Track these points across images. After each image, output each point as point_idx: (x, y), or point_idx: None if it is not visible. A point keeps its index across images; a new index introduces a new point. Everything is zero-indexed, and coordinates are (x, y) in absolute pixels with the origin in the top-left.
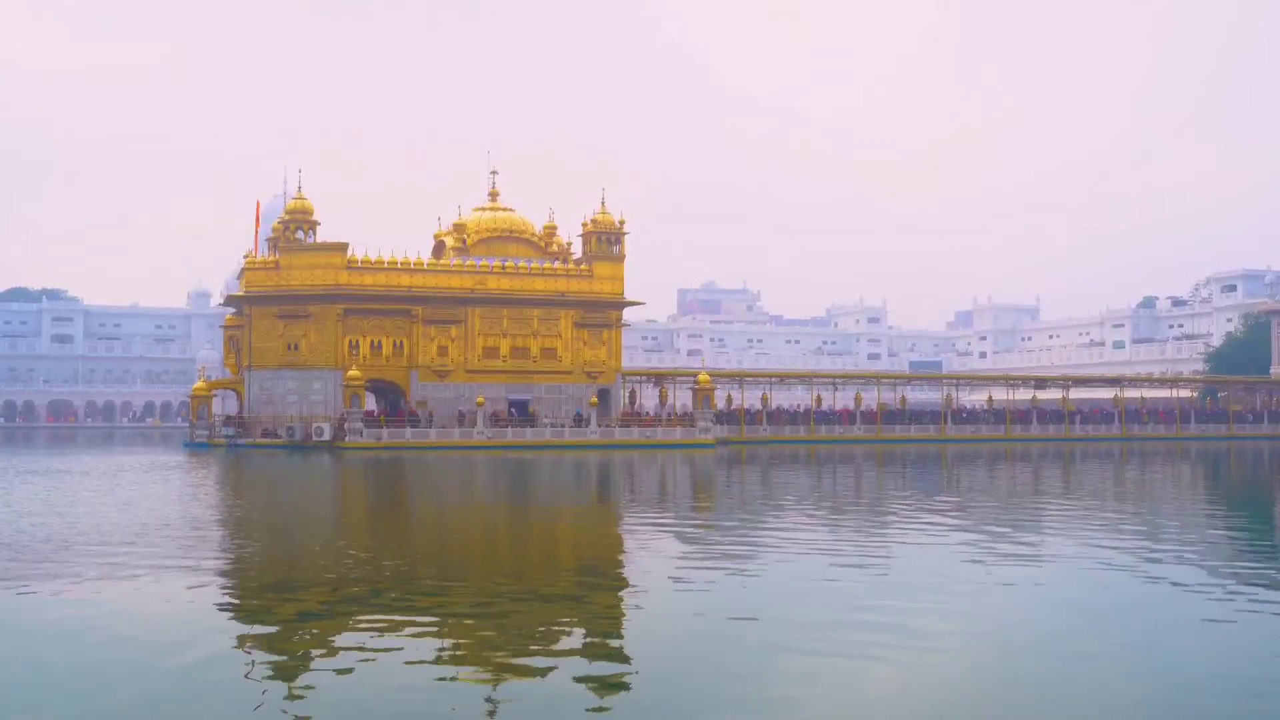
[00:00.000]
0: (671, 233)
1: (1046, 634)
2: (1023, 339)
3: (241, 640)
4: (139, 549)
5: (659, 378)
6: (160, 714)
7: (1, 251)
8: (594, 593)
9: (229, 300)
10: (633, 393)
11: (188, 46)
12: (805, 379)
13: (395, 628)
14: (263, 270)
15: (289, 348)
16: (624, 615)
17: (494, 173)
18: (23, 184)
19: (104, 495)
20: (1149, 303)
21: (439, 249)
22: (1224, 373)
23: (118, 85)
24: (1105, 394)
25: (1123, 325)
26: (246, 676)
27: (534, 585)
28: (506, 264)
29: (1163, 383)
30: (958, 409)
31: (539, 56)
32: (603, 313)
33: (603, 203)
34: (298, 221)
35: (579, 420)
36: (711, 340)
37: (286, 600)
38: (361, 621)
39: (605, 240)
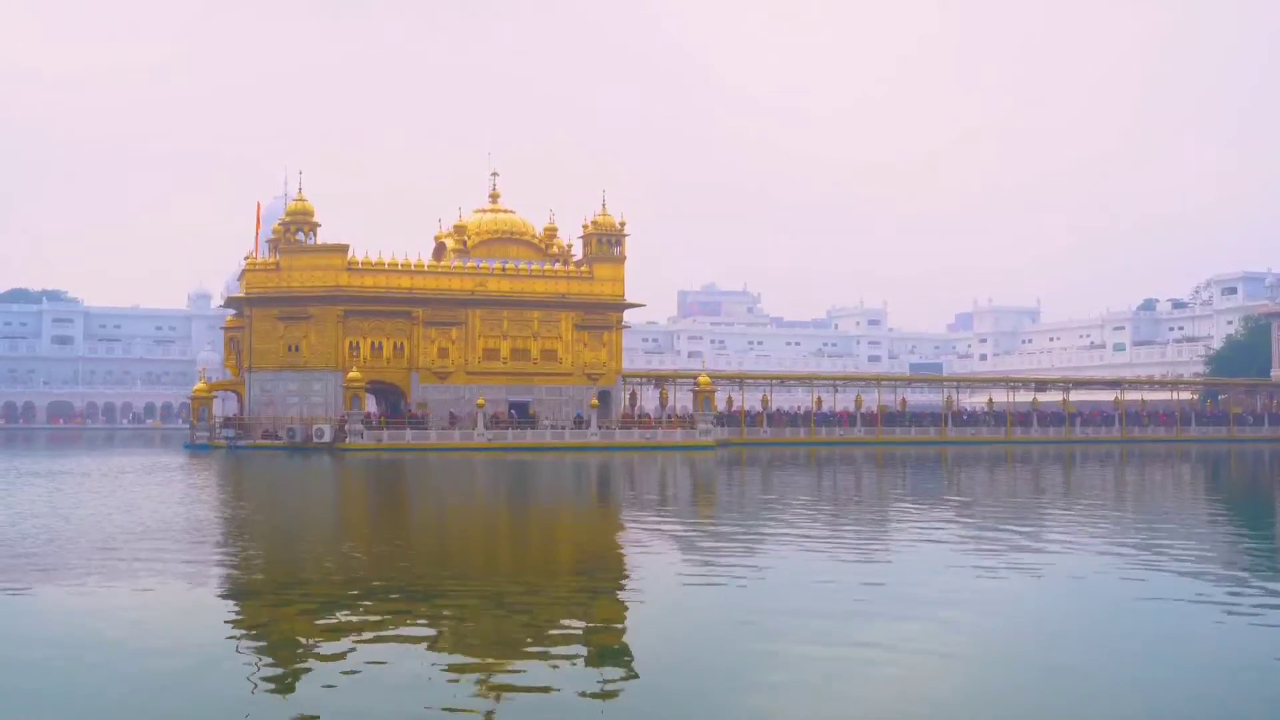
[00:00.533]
0: (672, 234)
1: (1046, 636)
2: (1023, 341)
3: (242, 641)
4: (141, 551)
5: (659, 379)
6: (161, 714)
7: (2, 252)
8: (594, 594)
9: (229, 302)
10: (633, 395)
11: (188, 47)
12: (805, 381)
13: (396, 629)
14: (263, 272)
15: (289, 349)
16: (624, 616)
17: (494, 174)
18: (23, 184)
19: (106, 497)
20: (1149, 305)
21: (439, 250)
22: (1224, 375)
23: (118, 86)
24: (1105, 396)
25: (1123, 327)
26: (247, 678)
27: (534, 587)
28: (507, 266)
29: (1163, 385)
30: (958, 411)
31: (539, 57)
32: (603, 314)
33: (603, 204)
34: (298, 223)
35: (579, 422)
36: (712, 342)
37: (287, 601)
38: (362, 622)
39: (606, 242)
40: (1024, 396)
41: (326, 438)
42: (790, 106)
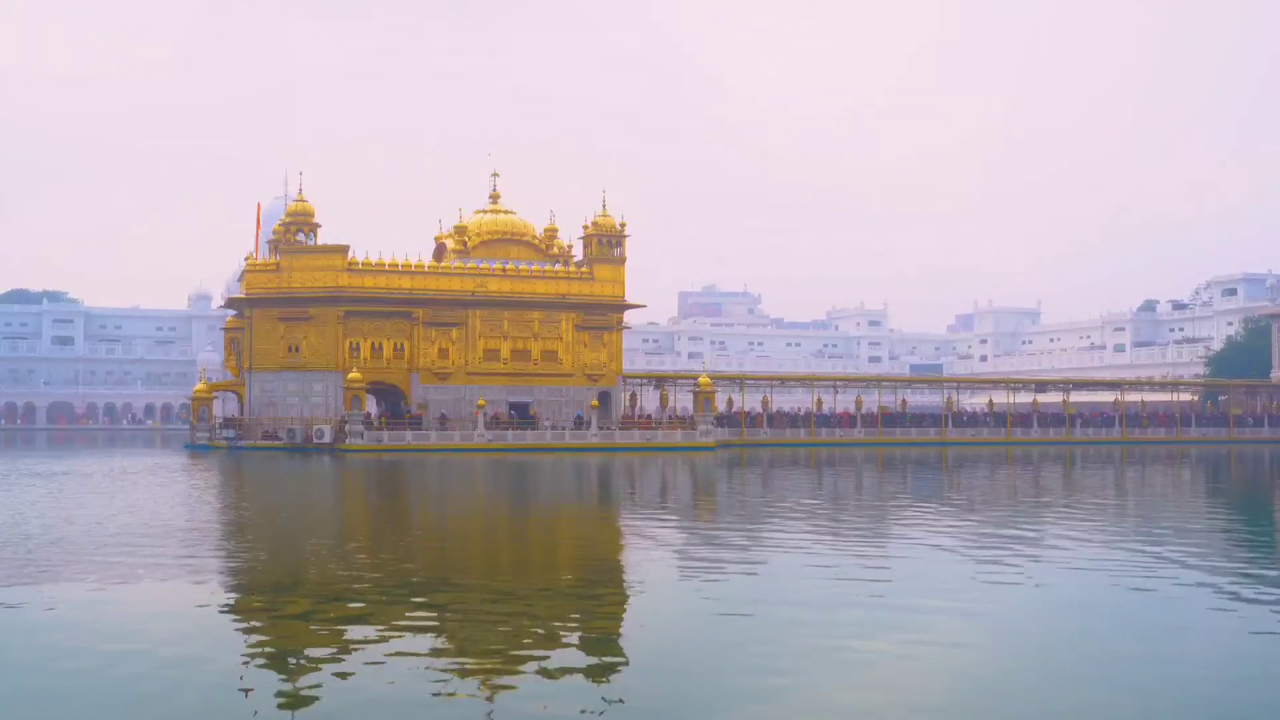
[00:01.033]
0: (672, 235)
1: (1045, 638)
2: (1023, 342)
3: (243, 642)
4: (144, 552)
5: (660, 380)
6: (161, 715)
7: (2, 253)
8: (594, 595)
9: (230, 302)
10: (633, 395)
11: (189, 48)
12: (806, 382)
13: (396, 629)
14: (263, 272)
15: (290, 350)
16: (624, 617)
17: (495, 175)
18: (23, 185)
19: (109, 498)
20: (1149, 306)
21: (440, 251)
22: (1224, 376)
23: (118, 86)
24: (1106, 397)
25: (1123, 329)
26: (248, 679)
27: (533, 587)
28: (507, 266)
29: (1163, 386)
30: (958, 412)
31: (540, 59)
32: (603, 315)
33: (604, 205)
34: (298, 224)
35: (579, 423)
36: (712, 343)
37: (288, 602)
38: (363, 623)
39: (606, 243)
40: (1024, 397)
41: (327, 438)
42: (791, 108)
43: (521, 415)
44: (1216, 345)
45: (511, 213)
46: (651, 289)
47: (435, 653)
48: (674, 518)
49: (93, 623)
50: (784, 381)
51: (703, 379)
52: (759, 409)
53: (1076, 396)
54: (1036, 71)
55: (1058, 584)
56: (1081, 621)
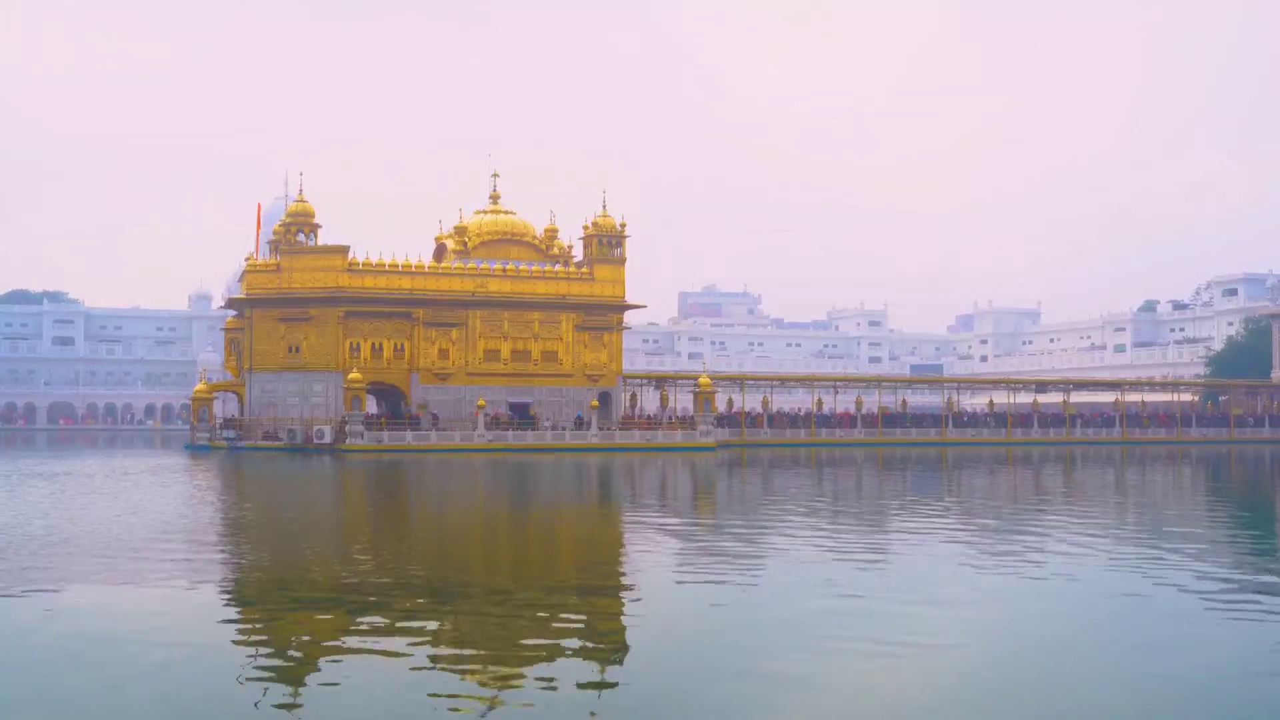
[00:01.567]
0: (673, 236)
1: (1044, 640)
2: (1024, 342)
3: (244, 644)
4: (147, 554)
5: (660, 381)
6: (162, 715)
7: (2, 253)
8: (594, 596)
9: (230, 303)
10: (633, 396)
11: (189, 49)
12: (806, 382)
13: (397, 630)
14: (264, 273)
15: (290, 350)
16: (624, 620)
17: (495, 175)
18: (23, 186)
19: (111, 499)
20: (1150, 306)
21: (440, 252)
22: (1225, 376)
23: (118, 87)
24: (1106, 398)
25: (1124, 329)
26: (249, 680)
27: (533, 588)
28: (507, 267)
29: (1164, 386)
30: (959, 412)
31: (540, 60)
32: (604, 315)
33: (604, 205)
34: (299, 224)
35: (580, 423)
36: (712, 343)
37: (289, 603)
38: (364, 624)
39: (606, 243)
40: (1025, 398)
41: (327, 439)
42: (791, 109)
43: (521, 416)
44: (1217, 345)
45: (512, 213)
46: (651, 289)
47: (436, 653)
48: (674, 518)
49: (95, 624)
50: (784, 382)
51: (703, 379)
52: (759, 409)
53: (1077, 397)
54: (1036, 72)
55: (1058, 585)
56: (1082, 622)
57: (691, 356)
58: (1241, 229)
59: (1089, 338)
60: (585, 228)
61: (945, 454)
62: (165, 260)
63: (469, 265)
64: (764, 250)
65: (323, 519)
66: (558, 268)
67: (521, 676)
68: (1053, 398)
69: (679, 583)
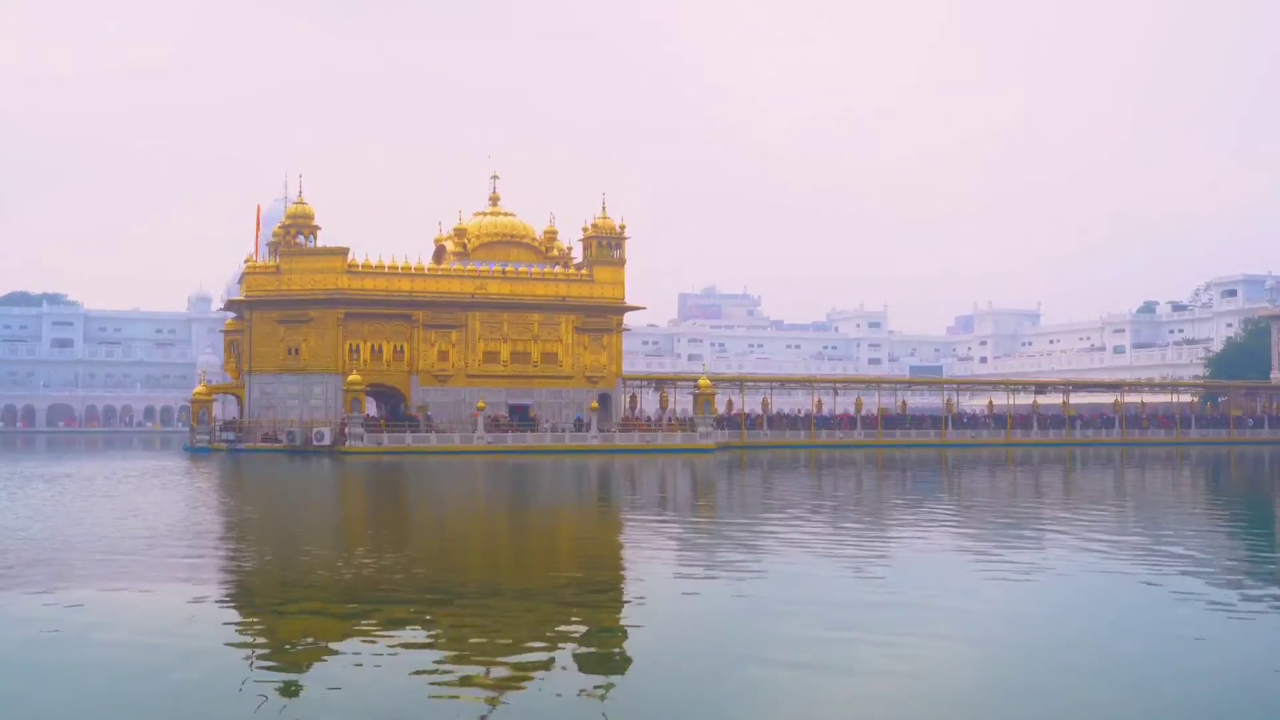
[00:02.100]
0: (672, 237)
1: (1044, 642)
2: (1023, 344)
3: (243, 645)
4: (146, 555)
5: (659, 382)
6: (163, 717)
7: (1, 255)
8: (594, 597)
9: (229, 305)
10: (633, 397)
11: (189, 50)
12: (806, 383)
13: (397, 632)
14: (263, 275)
15: (289, 352)
16: (623, 621)
17: (495, 177)
18: (22, 187)
19: (113, 501)
20: (1149, 308)
21: (440, 253)
22: (1224, 377)
23: (118, 88)
24: (1106, 399)
25: (1123, 330)
26: (249, 681)
27: (533, 590)
28: (507, 268)
29: (1163, 387)
30: (958, 414)
31: (539, 62)
32: (603, 317)
33: (603, 207)
34: (298, 226)
35: (579, 425)
36: (712, 345)
37: (290, 605)
38: (365, 625)
39: (606, 245)
40: (1024, 399)
41: (326, 441)
42: (791, 111)
43: (521, 418)
44: (1216, 346)
45: (511, 215)
46: (651, 291)
47: (437, 654)
48: (673, 519)
49: (96, 626)
50: (784, 383)
51: (702, 381)
52: (759, 411)
53: (1076, 398)
54: (1036, 74)
55: (1057, 586)
56: (1082, 624)
57: (691, 358)
58: (1241, 230)
59: (1088, 339)
60: (585, 229)
61: (945, 455)
62: (164, 262)
63: (469, 267)
64: (764, 252)
65: (323, 521)
66: (557, 269)
67: (522, 677)
68: (1052, 399)
69: (679, 584)
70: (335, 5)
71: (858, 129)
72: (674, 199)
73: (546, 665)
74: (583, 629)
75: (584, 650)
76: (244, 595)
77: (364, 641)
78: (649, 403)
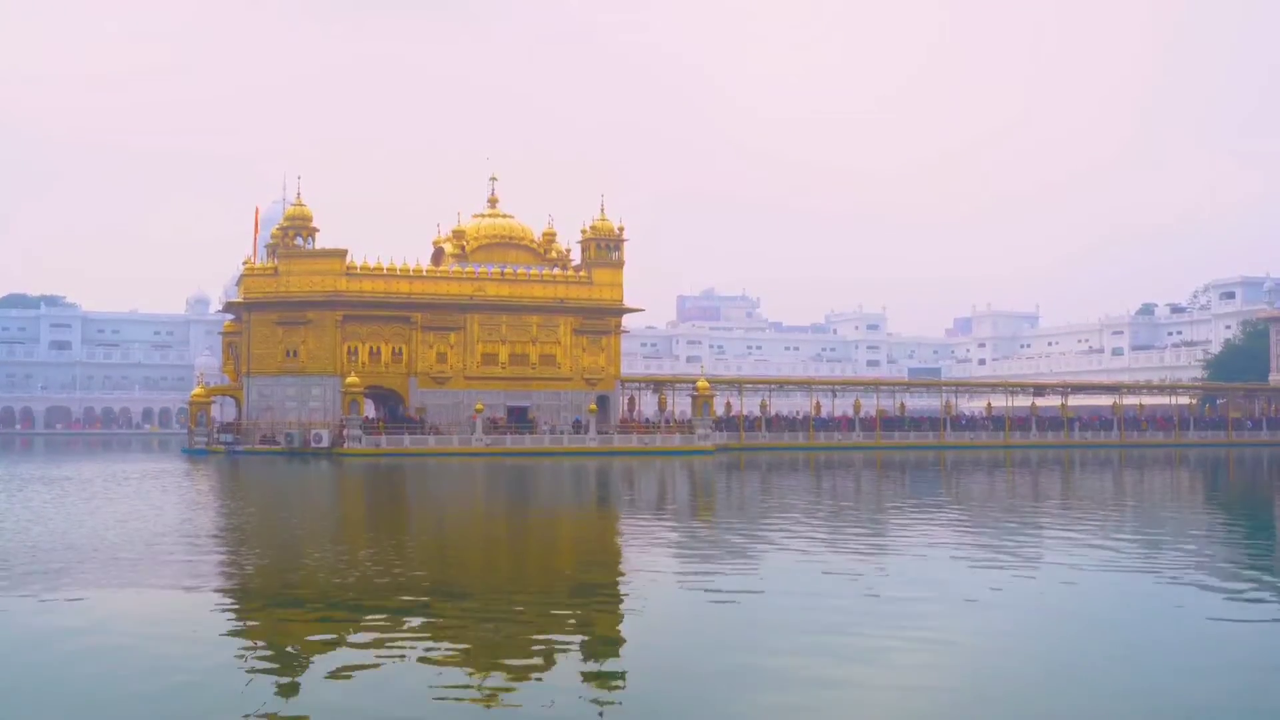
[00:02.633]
0: (671, 239)
1: (1043, 644)
2: (1022, 346)
3: (244, 645)
4: (148, 557)
5: (658, 384)
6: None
7: None
8: (594, 598)
9: (228, 306)
10: (631, 399)
11: (187, 51)
12: (804, 385)
13: (397, 635)
14: (262, 276)
15: (288, 354)
16: (621, 624)
17: (493, 179)
18: (21, 189)
19: (114, 503)
20: (1148, 310)
21: (438, 256)
22: (1223, 379)
23: (117, 89)
24: (1104, 401)
25: (1122, 332)
26: (249, 682)
27: (532, 593)
28: (505, 270)
29: (1161, 389)
30: (957, 415)
31: (539, 64)
32: (602, 319)
33: (602, 209)
34: (297, 228)
35: (578, 427)
36: (711, 347)
37: (291, 608)
38: (365, 626)
39: (604, 247)
40: (1022, 401)
41: (325, 443)
42: (790, 114)
43: (520, 419)
44: (1215, 348)
45: (510, 217)
46: (650, 293)
47: (437, 655)
48: (672, 521)
49: (97, 627)
50: (782, 385)
51: (701, 383)
52: (757, 412)
53: (1075, 400)
54: (1036, 76)
55: (1057, 587)
56: (1081, 625)
57: (690, 360)
58: (1239, 232)
59: (1087, 341)
60: (583, 231)
61: (943, 457)
62: (163, 264)
63: (467, 269)
64: (762, 253)
65: (322, 523)
66: (556, 271)
67: (522, 678)
68: (1051, 401)
69: (677, 585)
70: (335, 6)
71: (857, 131)
72: (673, 201)
73: (545, 666)
74: (582, 630)
75: (583, 651)
76: (244, 597)
77: (363, 643)
78: (647, 404)
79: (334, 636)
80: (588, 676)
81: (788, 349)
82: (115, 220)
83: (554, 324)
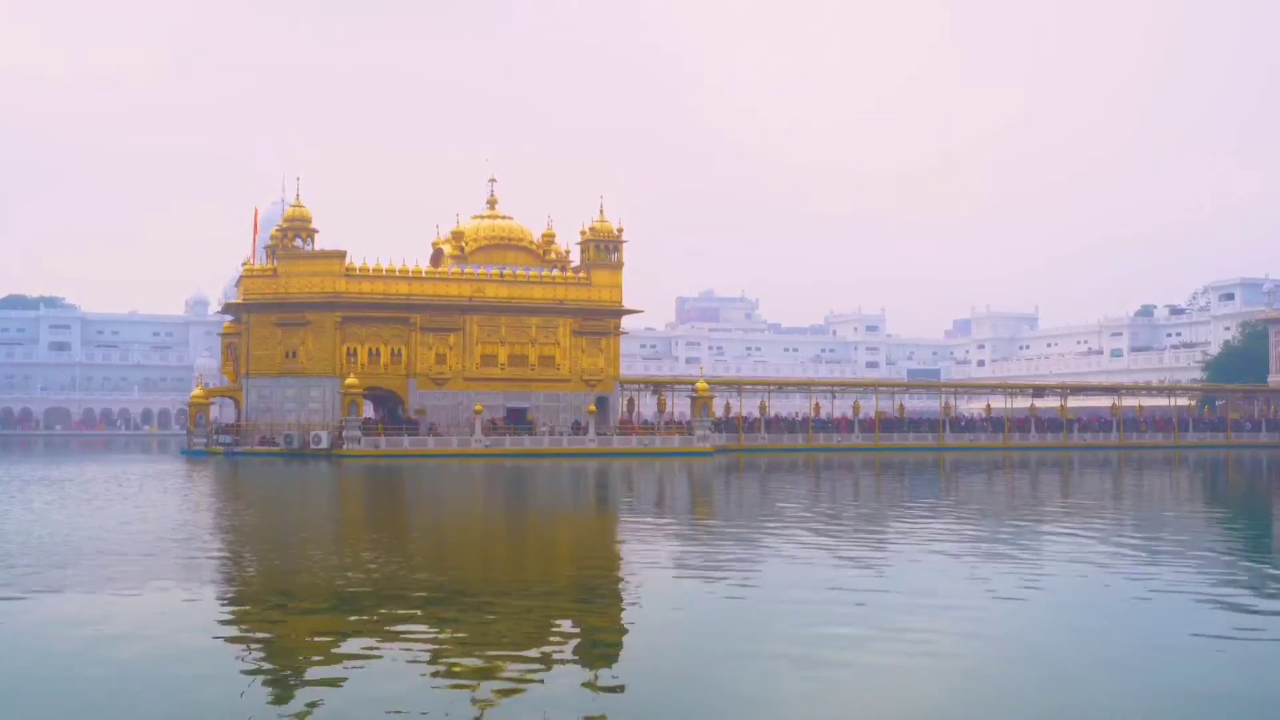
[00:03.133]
0: (670, 241)
1: (1042, 646)
2: (1021, 347)
3: (244, 646)
4: (147, 558)
5: (657, 386)
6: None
7: None
8: (593, 600)
9: (227, 308)
10: (631, 401)
11: (186, 52)
12: (804, 387)
13: (396, 635)
14: (261, 278)
15: (287, 355)
16: (623, 623)
17: (492, 181)
18: (20, 190)
19: (112, 504)
20: (1147, 311)
21: (437, 257)
22: (1222, 381)
23: (116, 90)
24: (1103, 402)
25: (1121, 334)
26: (249, 683)
27: (533, 592)
28: (505, 272)
29: (1160, 391)
30: (956, 417)
31: (539, 66)
32: (601, 321)
33: (601, 211)
34: (296, 229)
35: (577, 428)
36: (710, 348)
37: (291, 608)
38: (365, 627)
39: (603, 248)
40: (1022, 402)
41: (324, 444)
42: (789, 115)
43: (519, 421)
44: (1214, 350)
45: (509, 218)
46: (649, 294)
47: (437, 656)
48: (672, 522)
49: (100, 627)
50: (781, 386)
51: (700, 384)
52: (757, 414)
53: (1074, 401)
54: (1035, 78)
55: (1056, 589)
56: (1081, 627)
57: (689, 361)
58: (1239, 234)
59: (1086, 342)
60: (583, 233)
61: (943, 459)
62: (162, 265)
63: (466, 270)
64: (761, 255)
65: (322, 524)
66: (555, 273)
67: (521, 679)
68: (1050, 402)
69: (677, 586)
70: (334, 7)
71: (856, 132)
72: (672, 202)
73: (545, 666)
74: (581, 630)
75: (582, 651)
76: (244, 597)
77: (363, 643)
78: (646, 406)
79: (333, 636)
80: (588, 677)
81: (787, 350)
82: (115, 221)
83: (553, 325)
